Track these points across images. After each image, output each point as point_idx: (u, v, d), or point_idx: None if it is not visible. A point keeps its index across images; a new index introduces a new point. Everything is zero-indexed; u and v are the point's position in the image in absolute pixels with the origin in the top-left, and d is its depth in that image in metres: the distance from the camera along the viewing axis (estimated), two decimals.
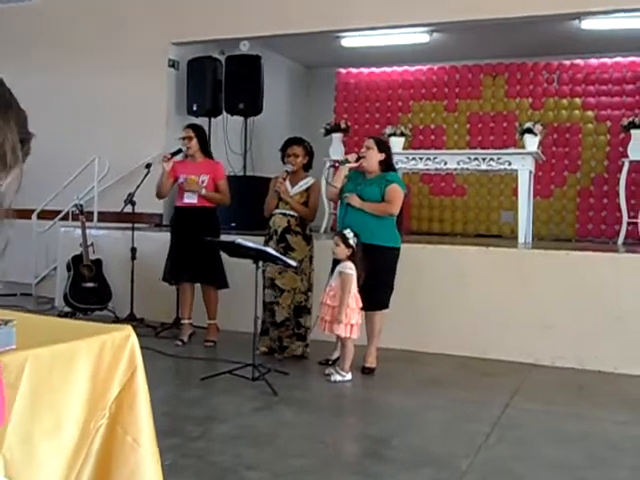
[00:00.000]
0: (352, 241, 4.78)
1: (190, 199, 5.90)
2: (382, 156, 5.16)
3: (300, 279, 5.50)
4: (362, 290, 4.85)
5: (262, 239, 5.61)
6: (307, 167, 5.69)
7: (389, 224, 5.11)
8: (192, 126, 6.14)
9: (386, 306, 5.13)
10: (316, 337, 5.37)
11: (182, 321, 6.06)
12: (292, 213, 5.52)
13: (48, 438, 1.90)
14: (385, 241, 5.03)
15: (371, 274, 4.84)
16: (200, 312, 6.05)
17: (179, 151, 6.05)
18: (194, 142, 5.95)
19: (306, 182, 5.60)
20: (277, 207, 5.58)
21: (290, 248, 5.44)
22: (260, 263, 4.97)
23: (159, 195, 6.04)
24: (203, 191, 5.83)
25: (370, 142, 5.21)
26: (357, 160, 5.17)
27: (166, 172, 5.93)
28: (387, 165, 5.21)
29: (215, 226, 6.00)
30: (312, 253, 5.63)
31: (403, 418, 4.26)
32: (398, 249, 5.17)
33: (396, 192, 5.08)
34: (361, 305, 4.87)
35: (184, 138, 5.98)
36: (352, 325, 4.79)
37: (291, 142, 5.68)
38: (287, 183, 5.55)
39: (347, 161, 5.22)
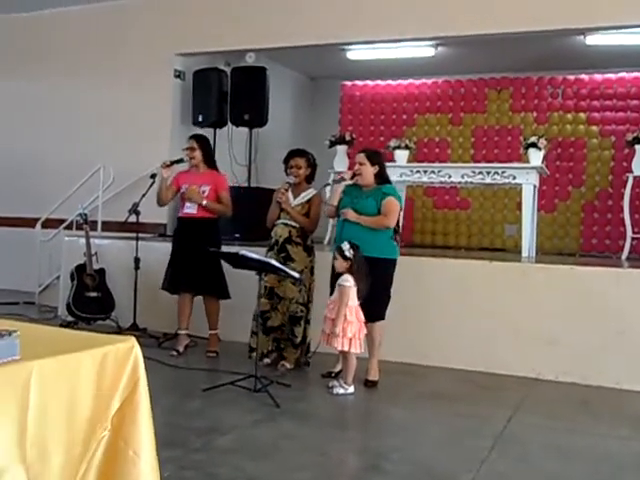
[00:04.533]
0: (348, 253, 4.78)
1: (190, 209, 5.89)
2: (376, 169, 5.17)
3: (299, 290, 5.51)
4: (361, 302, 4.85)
5: (266, 250, 5.63)
6: (310, 179, 5.71)
7: (385, 236, 5.12)
8: (195, 137, 6.14)
9: (382, 317, 5.12)
10: (319, 349, 5.36)
11: (179, 331, 6.06)
12: (293, 223, 5.54)
13: (61, 452, 1.91)
14: (382, 253, 5.03)
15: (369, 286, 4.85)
16: (201, 322, 6.05)
17: (180, 160, 6.05)
18: (197, 153, 5.95)
19: (308, 194, 5.62)
20: (279, 218, 5.61)
21: (290, 258, 5.45)
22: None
23: (159, 202, 6.06)
24: (204, 202, 5.82)
25: (362, 157, 5.20)
26: (352, 177, 5.20)
27: (164, 179, 5.93)
28: (382, 177, 5.23)
29: (216, 237, 5.98)
30: (313, 264, 5.63)
31: (405, 432, 4.24)
32: (395, 260, 5.18)
33: (392, 204, 5.10)
34: (362, 319, 4.85)
35: (187, 149, 5.99)
36: (350, 339, 4.77)
37: (294, 154, 5.69)
38: (289, 194, 5.58)
39: (343, 179, 5.26)
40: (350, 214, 5.04)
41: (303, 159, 5.65)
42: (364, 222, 5.03)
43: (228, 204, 5.95)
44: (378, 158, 5.26)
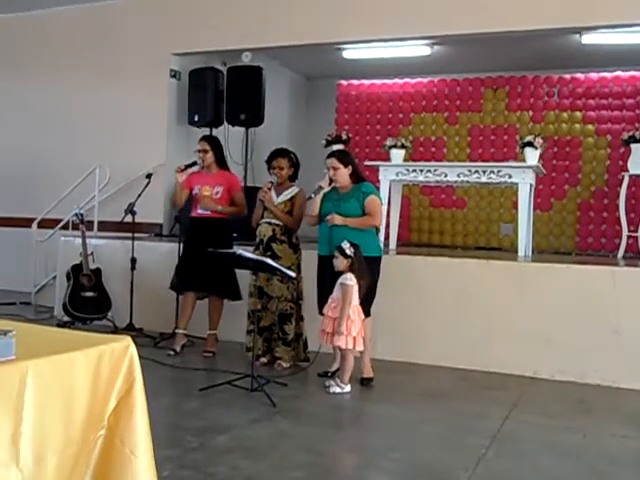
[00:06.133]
0: (349, 251, 4.80)
1: (203, 210, 5.92)
2: (350, 169, 5.21)
3: (287, 287, 5.52)
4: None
5: (253, 249, 5.63)
6: (293, 178, 5.72)
7: (371, 234, 5.16)
8: (207, 138, 6.17)
9: (368, 314, 5.11)
10: (315, 349, 5.35)
11: (177, 330, 6.04)
12: (277, 222, 5.56)
13: (56, 452, 1.90)
14: (368, 251, 5.03)
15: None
16: (198, 322, 6.04)
17: (194, 163, 6.04)
18: (209, 155, 5.96)
19: (290, 192, 5.63)
20: (263, 217, 5.62)
21: (276, 256, 5.45)
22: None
23: (174, 205, 6.19)
24: (219, 207, 5.85)
25: (333, 161, 5.22)
26: (330, 183, 5.22)
27: (180, 183, 5.94)
28: (356, 175, 5.25)
29: (228, 237, 5.99)
30: (299, 261, 5.65)
31: (402, 430, 4.24)
32: (380, 258, 5.21)
33: (376, 204, 5.15)
34: (363, 317, 4.87)
35: (200, 151, 6.00)
36: (354, 337, 4.79)
37: (276, 154, 5.70)
38: (272, 192, 5.59)
39: (321, 188, 5.25)
40: (337, 219, 5.06)
41: (285, 159, 5.66)
42: (352, 224, 5.05)
43: (242, 204, 5.99)
44: (349, 158, 5.31)
